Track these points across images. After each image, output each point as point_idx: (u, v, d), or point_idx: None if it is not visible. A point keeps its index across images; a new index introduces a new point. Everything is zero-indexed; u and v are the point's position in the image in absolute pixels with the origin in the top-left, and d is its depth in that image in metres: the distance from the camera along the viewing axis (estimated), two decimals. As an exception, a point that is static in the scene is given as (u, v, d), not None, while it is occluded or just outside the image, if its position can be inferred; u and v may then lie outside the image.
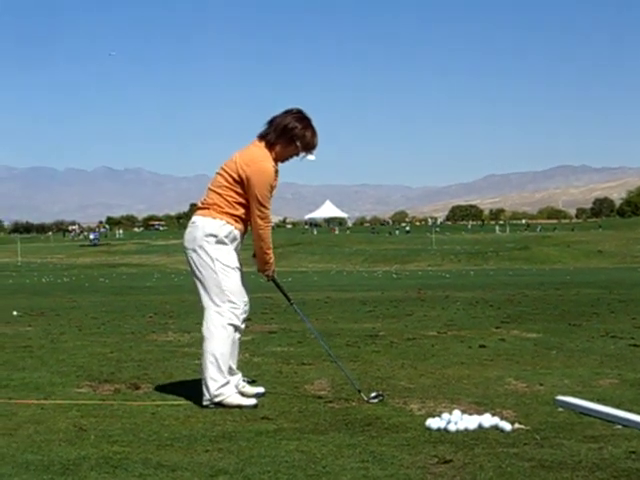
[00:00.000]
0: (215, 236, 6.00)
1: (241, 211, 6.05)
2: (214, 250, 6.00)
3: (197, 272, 6.07)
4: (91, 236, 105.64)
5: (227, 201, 6.03)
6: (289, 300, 6.46)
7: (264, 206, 5.99)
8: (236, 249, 6.14)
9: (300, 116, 6.14)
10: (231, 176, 6.01)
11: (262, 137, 6.12)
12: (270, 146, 6.08)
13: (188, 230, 6.15)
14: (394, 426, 5.19)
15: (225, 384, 5.93)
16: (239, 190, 5.99)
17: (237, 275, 6.08)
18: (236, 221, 6.06)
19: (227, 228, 6.02)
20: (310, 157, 6.21)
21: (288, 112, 6.16)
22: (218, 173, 6.13)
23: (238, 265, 6.11)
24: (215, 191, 6.09)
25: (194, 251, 6.06)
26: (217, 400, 5.89)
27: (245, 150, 6.12)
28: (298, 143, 6.09)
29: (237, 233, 6.09)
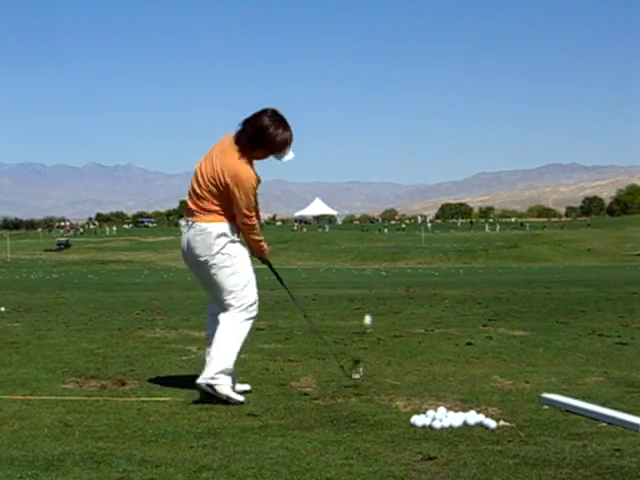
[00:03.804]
0: (227, 236, 6.05)
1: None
2: (232, 249, 6.08)
3: (217, 275, 6.09)
4: (59, 240, 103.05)
5: (224, 205, 6.05)
6: (282, 282, 6.51)
7: (250, 213, 6.06)
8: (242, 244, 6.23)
9: (273, 116, 6.13)
10: (216, 186, 6.02)
11: (237, 140, 6.11)
12: (245, 149, 6.07)
13: (199, 238, 6.09)
14: (379, 423, 5.19)
15: (227, 372, 5.94)
16: (228, 195, 6.02)
17: (252, 269, 6.22)
18: (234, 218, 6.11)
19: (233, 227, 6.08)
20: (287, 157, 6.20)
21: (262, 112, 6.15)
22: (202, 178, 6.10)
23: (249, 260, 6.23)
24: (208, 199, 6.07)
25: (214, 257, 6.06)
26: (212, 382, 5.87)
27: (224, 157, 6.05)
28: (272, 141, 6.07)
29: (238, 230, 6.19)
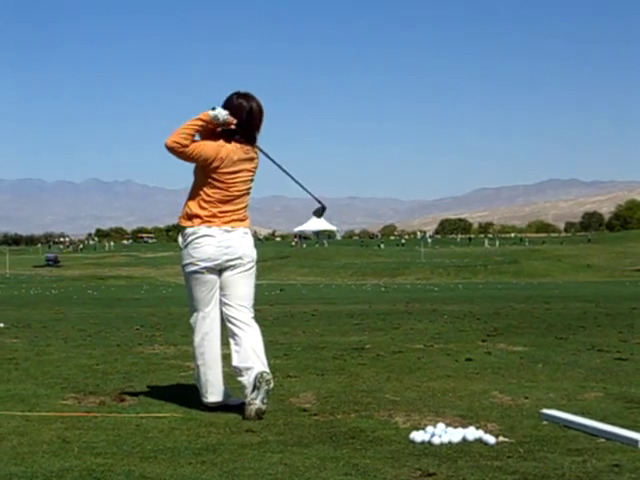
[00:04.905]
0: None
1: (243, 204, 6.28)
2: None
3: (252, 277, 6.30)
4: (47, 255, 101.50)
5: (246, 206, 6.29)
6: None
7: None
8: None
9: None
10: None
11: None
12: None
13: (248, 241, 6.26)
14: (378, 439, 5.18)
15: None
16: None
17: None
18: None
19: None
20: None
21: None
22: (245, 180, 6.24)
23: None
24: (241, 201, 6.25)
25: (254, 260, 6.31)
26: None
27: None
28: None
29: None
